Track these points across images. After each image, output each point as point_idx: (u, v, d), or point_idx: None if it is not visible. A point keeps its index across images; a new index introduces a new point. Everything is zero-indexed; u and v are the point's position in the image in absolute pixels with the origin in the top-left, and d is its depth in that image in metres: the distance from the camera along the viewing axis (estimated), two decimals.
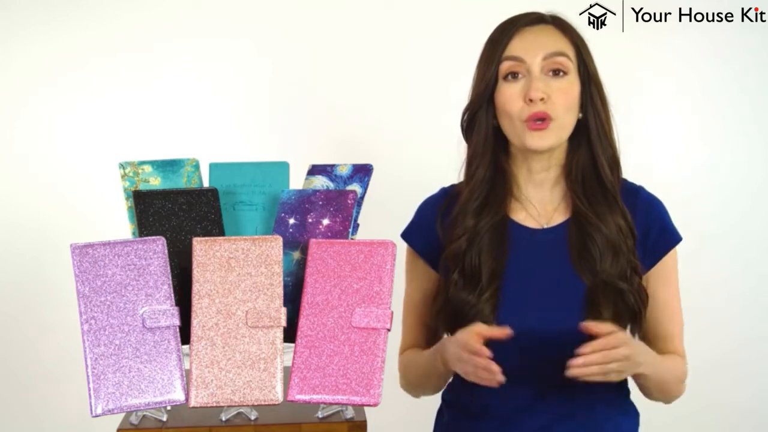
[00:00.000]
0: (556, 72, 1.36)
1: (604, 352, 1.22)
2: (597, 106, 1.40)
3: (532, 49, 1.36)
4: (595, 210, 1.39)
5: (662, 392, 1.42)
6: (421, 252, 1.48)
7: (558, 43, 1.37)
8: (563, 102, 1.35)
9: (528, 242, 1.41)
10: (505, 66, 1.37)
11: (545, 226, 1.42)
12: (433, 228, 1.46)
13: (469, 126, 1.44)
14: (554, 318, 1.35)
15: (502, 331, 1.26)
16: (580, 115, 1.40)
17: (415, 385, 1.51)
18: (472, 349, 1.25)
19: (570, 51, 1.38)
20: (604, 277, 1.35)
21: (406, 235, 1.50)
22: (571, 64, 1.37)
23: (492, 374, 1.23)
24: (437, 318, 1.43)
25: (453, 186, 1.49)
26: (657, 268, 1.42)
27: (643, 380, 1.36)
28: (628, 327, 1.38)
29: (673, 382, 1.41)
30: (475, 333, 1.26)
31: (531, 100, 1.34)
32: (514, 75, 1.37)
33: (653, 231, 1.41)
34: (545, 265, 1.39)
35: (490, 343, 1.36)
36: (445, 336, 1.39)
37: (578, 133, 1.41)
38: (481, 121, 1.41)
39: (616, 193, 1.40)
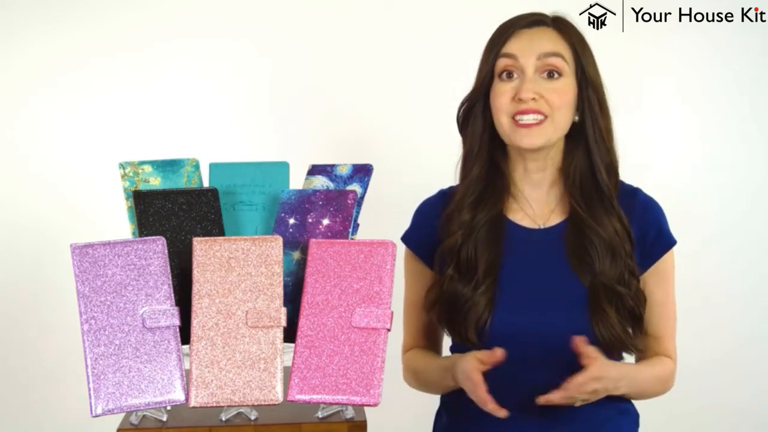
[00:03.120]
0: (551, 74, 1.36)
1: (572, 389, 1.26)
2: (594, 110, 1.39)
3: (527, 49, 1.36)
4: (592, 213, 1.39)
5: (642, 397, 1.43)
6: (420, 253, 1.48)
7: (554, 44, 1.37)
8: (556, 101, 1.35)
9: (524, 241, 1.41)
10: (500, 63, 1.37)
11: (542, 227, 1.42)
12: (431, 229, 1.46)
13: (465, 120, 1.44)
14: (553, 318, 1.35)
15: (494, 356, 1.29)
16: (577, 117, 1.40)
17: (422, 388, 1.52)
18: (474, 382, 1.28)
19: (566, 53, 1.38)
20: (603, 280, 1.35)
21: (405, 238, 1.50)
22: (566, 66, 1.37)
23: (494, 411, 1.27)
24: (432, 313, 1.43)
25: (451, 188, 1.49)
26: (653, 270, 1.42)
27: (620, 393, 1.37)
28: (629, 329, 1.38)
29: (653, 388, 1.42)
30: (475, 366, 1.29)
31: (521, 100, 1.34)
32: (509, 74, 1.37)
33: (650, 233, 1.41)
34: (542, 265, 1.39)
35: (488, 339, 1.36)
36: (458, 356, 1.37)
37: (575, 136, 1.41)
38: (477, 116, 1.42)
39: (613, 198, 1.40)
